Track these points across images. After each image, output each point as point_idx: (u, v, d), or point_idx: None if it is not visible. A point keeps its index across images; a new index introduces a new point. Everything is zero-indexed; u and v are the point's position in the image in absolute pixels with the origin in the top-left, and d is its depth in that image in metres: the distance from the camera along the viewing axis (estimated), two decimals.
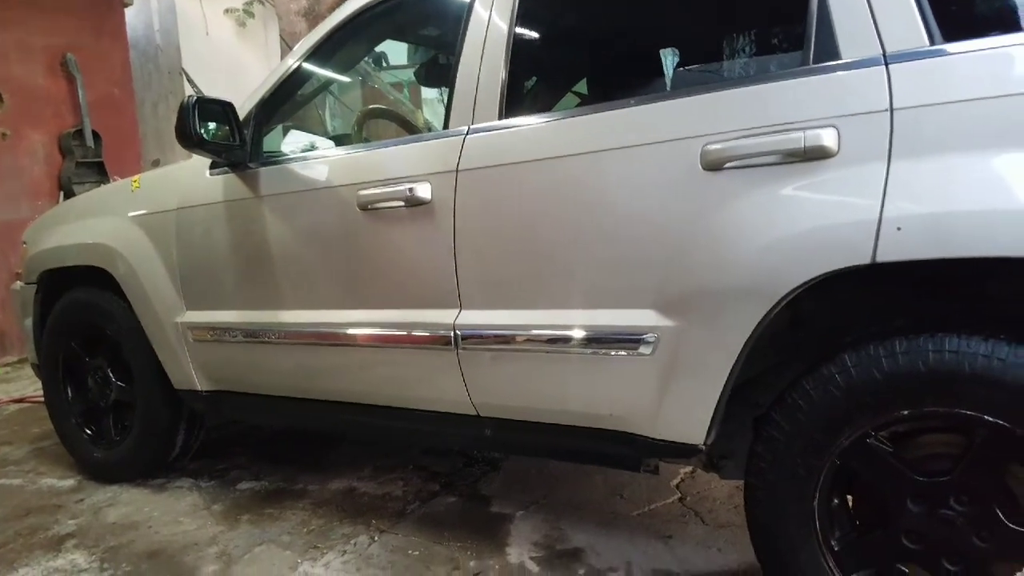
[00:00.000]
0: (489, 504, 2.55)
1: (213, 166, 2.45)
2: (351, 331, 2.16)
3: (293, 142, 2.53)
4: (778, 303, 1.48)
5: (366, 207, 2.05)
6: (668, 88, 2.17)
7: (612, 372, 1.74)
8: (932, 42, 1.38)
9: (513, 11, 1.91)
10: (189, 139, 2.21)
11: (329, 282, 2.21)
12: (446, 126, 1.99)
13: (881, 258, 1.36)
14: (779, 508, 1.59)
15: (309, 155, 2.32)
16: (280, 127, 2.63)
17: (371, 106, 4.10)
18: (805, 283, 1.45)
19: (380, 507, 2.58)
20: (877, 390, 1.44)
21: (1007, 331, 1.34)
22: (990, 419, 1.35)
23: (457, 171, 1.90)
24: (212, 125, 2.35)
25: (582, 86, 2.89)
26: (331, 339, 2.21)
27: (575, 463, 2.57)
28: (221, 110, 2.30)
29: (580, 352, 1.78)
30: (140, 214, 2.64)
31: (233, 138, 2.30)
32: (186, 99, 2.23)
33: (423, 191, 1.94)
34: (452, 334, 1.95)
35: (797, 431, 1.53)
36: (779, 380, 1.63)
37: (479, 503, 2.57)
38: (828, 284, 1.45)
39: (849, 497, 1.61)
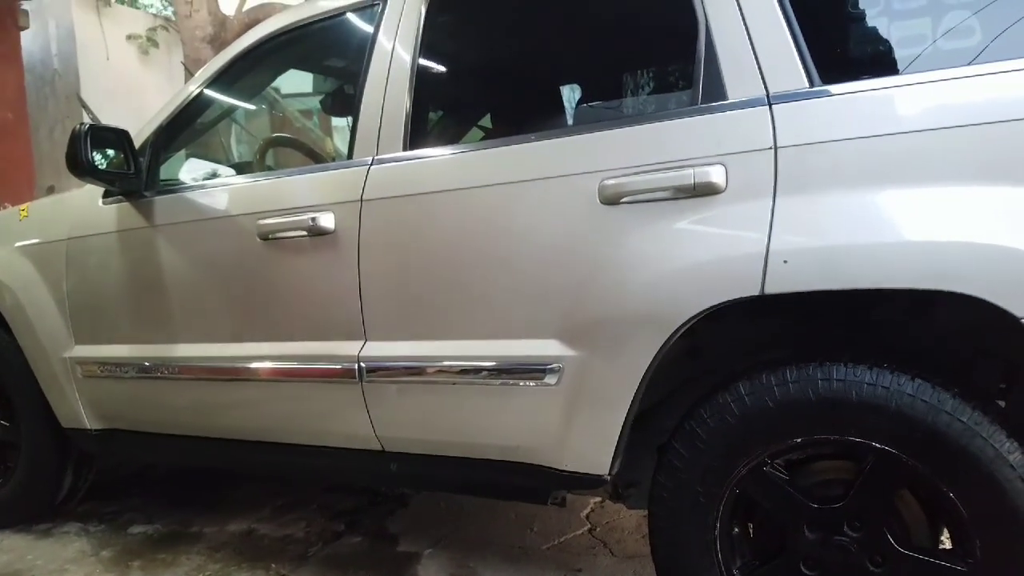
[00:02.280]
0: (396, 543, 2.48)
1: (107, 195, 2.36)
2: (250, 365, 2.09)
3: (192, 170, 2.45)
4: (674, 333, 1.51)
5: (266, 237, 2.00)
6: (569, 124, 2.22)
7: (519, 403, 1.73)
8: (812, 84, 1.45)
9: (416, 43, 1.92)
10: (80, 167, 2.13)
11: (227, 314, 2.14)
12: (350, 156, 1.96)
13: (769, 290, 1.41)
14: (681, 537, 1.60)
15: (207, 183, 2.25)
16: (182, 155, 2.54)
17: (274, 135, 4.03)
18: (699, 314, 1.48)
19: (281, 550, 2.47)
20: (770, 418, 1.48)
21: (891, 360, 1.41)
22: (878, 446, 1.40)
23: (362, 201, 1.88)
24: (111, 152, 2.25)
25: (488, 120, 2.92)
26: (229, 373, 2.13)
27: (483, 497, 2.53)
28: (115, 137, 2.23)
29: (486, 383, 1.77)
30: (28, 244, 2.52)
31: (127, 166, 2.22)
32: (78, 127, 2.15)
33: (326, 221, 1.90)
34: (356, 366, 1.90)
35: (696, 459, 1.56)
36: (680, 409, 1.66)
37: (385, 542, 2.49)
38: (723, 314, 1.49)
39: (750, 525, 1.64)
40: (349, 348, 1.91)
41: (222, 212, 2.12)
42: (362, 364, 1.89)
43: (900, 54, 1.51)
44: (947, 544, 1.49)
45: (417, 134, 1.94)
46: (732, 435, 1.51)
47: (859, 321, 1.56)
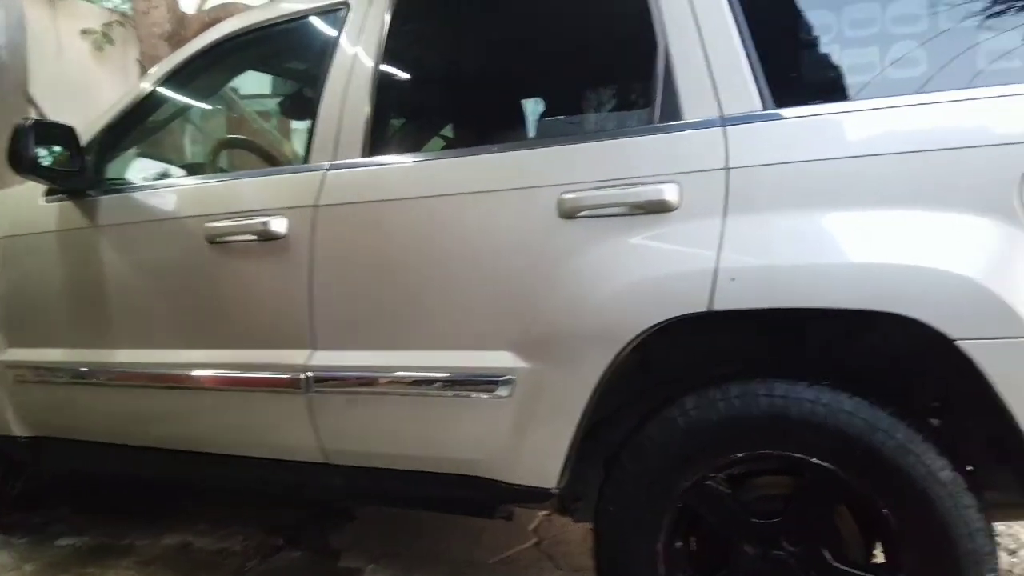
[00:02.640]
0: (338, 558, 2.43)
1: (49, 193, 2.28)
2: (193, 372, 2.04)
3: (141, 170, 2.39)
4: (626, 347, 1.53)
5: (214, 240, 1.96)
6: (530, 137, 2.24)
7: (471, 415, 1.73)
8: (765, 107, 1.50)
9: (379, 50, 1.92)
10: (23, 164, 2.07)
11: (170, 319, 2.09)
12: (307, 160, 1.94)
13: (717, 306, 1.44)
14: (625, 550, 1.61)
15: (156, 184, 2.21)
16: (132, 154, 2.48)
17: (228, 136, 3.97)
18: (649, 328, 1.50)
19: (216, 564, 2.40)
20: (715, 432, 1.50)
21: (831, 378, 1.44)
22: (816, 461, 1.43)
23: (316, 206, 1.86)
24: (56, 149, 2.19)
25: (450, 130, 2.93)
26: (171, 381, 2.08)
27: (430, 511, 2.51)
28: (60, 134, 2.16)
29: (438, 395, 1.75)
30: None
31: (72, 164, 2.15)
32: (21, 121, 2.09)
33: (278, 225, 1.87)
34: (303, 376, 1.87)
35: (642, 472, 1.57)
36: (628, 422, 1.68)
37: (326, 557, 2.44)
38: (674, 329, 1.51)
39: (692, 539, 1.65)
40: (295, 357, 1.88)
41: (169, 214, 2.08)
42: (309, 374, 1.86)
43: (850, 81, 1.57)
44: (880, 559, 1.52)
45: (377, 141, 1.93)
46: (677, 449, 1.53)
47: (804, 339, 1.60)
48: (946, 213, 1.33)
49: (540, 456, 1.66)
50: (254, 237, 1.90)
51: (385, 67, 1.94)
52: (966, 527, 1.35)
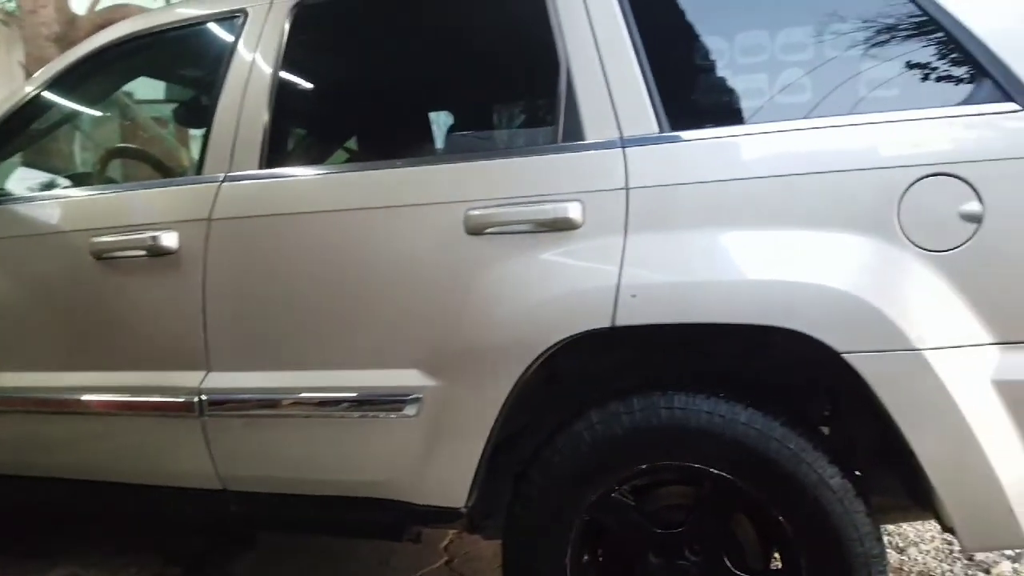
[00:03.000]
0: None
1: None
2: (82, 397, 1.92)
3: (23, 180, 2.24)
4: (533, 363, 1.53)
5: (101, 256, 1.85)
6: (436, 152, 2.23)
7: (376, 436, 1.69)
8: (662, 129, 1.53)
9: (278, 59, 1.86)
10: None
11: (55, 341, 1.96)
12: (200, 171, 1.87)
13: (620, 322, 1.46)
14: (533, 565, 1.61)
15: (38, 195, 2.07)
16: (14, 163, 2.32)
17: (118, 145, 3.78)
18: (555, 345, 1.51)
19: None
20: (619, 445, 1.52)
21: (727, 390, 1.49)
22: (715, 471, 1.47)
23: (210, 220, 1.78)
24: None
25: (354, 142, 2.87)
26: (56, 406, 1.95)
27: (335, 536, 2.44)
28: None
29: (342, 416, 1.71)
30: None
31: None
32: None
33: (169, 240, 1.79)
34: (197, 399, 1.79)
35: (549, 487, 1.57)
36: (536, 438, 1.68)
37: None
38: (580, 345, 1.52)
39: (599, 551, 1.67)
40: (189, 379, 1.80)
41: (52, 227, 1.95)
42: (203, 397, 1.78)
43: (744, 105, 1.64)
44: (778, 564, 1.58)
45: (276, 152, 1.88)
46: (584, 462, 1.54)
47: (704, 353, 1.64)
48: (833, 232, 1.39)
49: (449, 475, 1.64)
50: (143, 252, 1.81)
51: (285, 76, 1.89)
52: (856, 531, 1.41)
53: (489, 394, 1.57)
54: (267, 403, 1.76)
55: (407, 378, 1.65)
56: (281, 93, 1.87)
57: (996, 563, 2.29)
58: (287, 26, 1.87)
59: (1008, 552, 2.33)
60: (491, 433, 1.59)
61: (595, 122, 1.57)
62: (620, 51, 1.58)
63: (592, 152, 1.56)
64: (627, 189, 1.50)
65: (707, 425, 1.46)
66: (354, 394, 1.70)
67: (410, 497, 1.68)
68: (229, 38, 1.93)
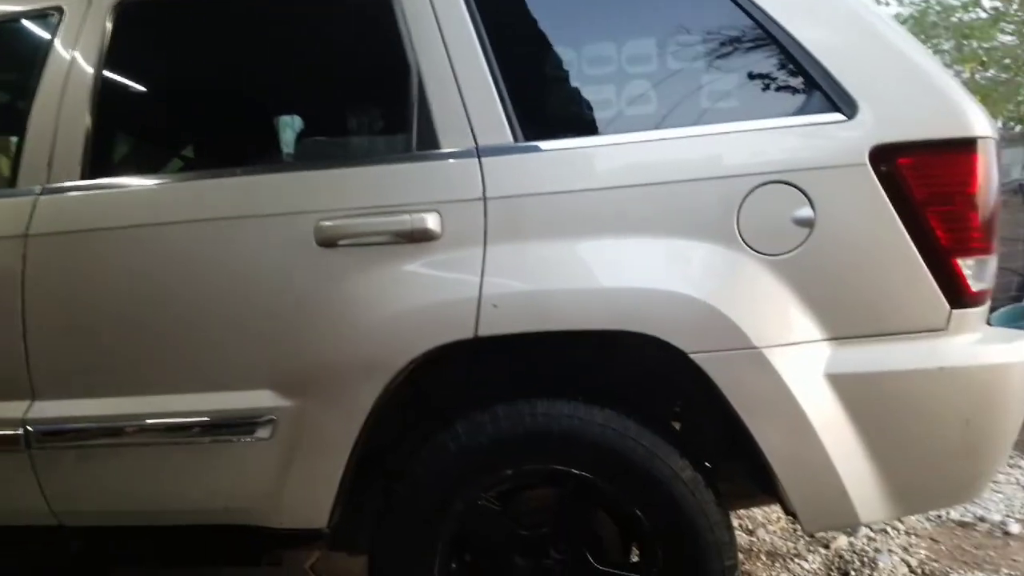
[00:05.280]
0: None
1: None
2: None
3: None
4: (395, 377, 1.51)
5: None
6: (283, 159, 2.12)
7: (228, 461, 1.61)
8: (516, 139, 1.54)
9: (100, 59, 1.70)
10: None
11: None
12: (14, 183, 1.69)
13: (483, 332, 1.47)
14: None
15: None
16: None
17: None
18: (418, 357, 1.49)
19: None
20: (485, 453, 1.53)
21: (585, 394, 1.53)
22: (576, 472, 1.51)
23: (27, 236, 1.61)
24: None
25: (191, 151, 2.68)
26: None
27: (188, 567, 2.29)
28: None
29: (190, 442, 1.61)
30: None
31: None
32: None
33: None
34: (22, 431, 1.62)
35: (416, 499, 1.56)
36: (403, 451, 1.65)
37: None
38: (446, 356, 1.51)
39: (467, 558, 1.67)
40: (12, 410, 1.63)
41: None
42: (29, 428, 1.62)
43: (599, 116, 1.67)
44: (637, 558, 1.64)
45: (101, 161, 1.73)
46: (450, 473, 1.54)
47: (566, 359, 1.67)
48: (680, 240, 1.46)
49: (309, 496, 1.58)
50: None
51: (110, 79, 1.74)
52: (707, 520, 1.49)
53: (348, 412, 1.53)
54: (107, 432, 1.63)
55: (259, 399, 1.57)
56: (105, 97, 1.72)
57: (835, 538, 2.52)
58: (109, 24, 1.72)
59: None
60: (352, 451, 1.54)
61: (449, 131, 1.56)
62: (471, 59, 1.57)
63: (448, 162, 1.55)
64: (484, 199, 1.50)
65: (568, 428, 1.49)
66: (203, 418, 1.60)
67: (268, 522, 1.61)
68: (43, 36, 1.75)
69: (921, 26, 9.31)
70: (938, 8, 9.57)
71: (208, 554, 1.78)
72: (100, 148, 1.74)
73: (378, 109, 2.21)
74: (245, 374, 1.58)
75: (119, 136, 2.45)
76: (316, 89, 2.38)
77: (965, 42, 9.20)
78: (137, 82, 1.98)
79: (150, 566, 2.32)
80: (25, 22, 1.82)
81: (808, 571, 2.33)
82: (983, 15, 9.18)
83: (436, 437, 1.56)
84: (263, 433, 1.57)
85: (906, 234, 1.40)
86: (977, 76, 9.35)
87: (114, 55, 1.72)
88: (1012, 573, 2.27)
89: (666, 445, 1.50)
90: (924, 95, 1.44)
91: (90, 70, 1.70)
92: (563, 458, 1.51)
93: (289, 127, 2.22)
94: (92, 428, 1.63)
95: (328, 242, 1.53)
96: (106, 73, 1.72)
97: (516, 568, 1.58)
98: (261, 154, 2.30)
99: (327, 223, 1.52)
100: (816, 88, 1.47)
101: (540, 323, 1.46)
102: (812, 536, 2.53)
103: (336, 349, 1.53)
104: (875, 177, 1.40)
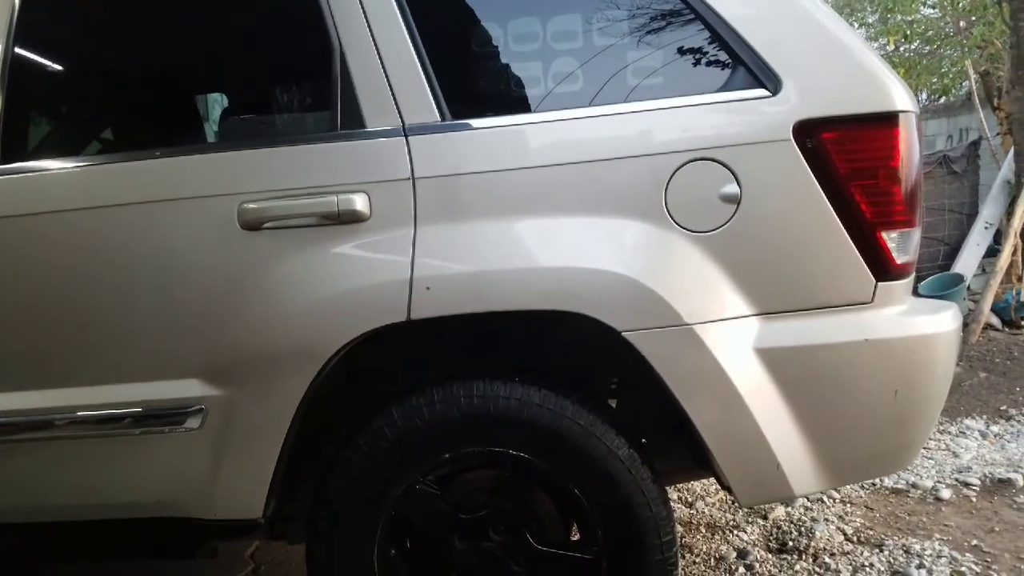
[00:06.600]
0: None
1: None
2: None
3: None
4: (328, 362, 1.48)
5: None
6: (207, 140, 2.06)
7: (155, 453, 1.56)
8: (444, 118, 1.51)
9: (9, 35, 1.62)
10: None
11: None
12: None
13: (415, 315, 1.44)
14: (339, 566, 1.56)
15: None
16: None
17: None
18: (350, 342, 1.46)
19: None
20: (421, 437, 1.51)
21: (522, 375, 1.52)
22: (514, 453, 1.51)
23: None
24: None
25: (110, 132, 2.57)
26: None
27: (118, 561, 2.23)
28: None
29: (119, 434, 1.56)
30: None
31: None
32: None
33: None
34: None
35: (352, 486, 1.54)
36: (338, 437, 1.62)
37: None
38: (381, 339, 1.48)
39: (407, 543, 1.65)
40: None
41: None
42: None
43: (529, 94, 1.65)
44: (577, 536, 1.65)
45: (12, 144, 1.65)
46: (386, 458, 1.52)
47: (502, 340, 1.66)
48: (610, 218, 1.45)
49: (242, 487, 1.55)
50: None
51: (21, 56, 1.66)
52: (644, 497, 1.50)
53: (280, 399, 1.49)
54: (15, 427, 1.57)
55: (187, 389, 1.53)
56: (16, 76, 1.63)
57: (772, 509, 2.58)
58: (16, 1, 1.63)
59: None
60: (285, 439, 1.51)
61: (374, 109, 1.52)
62: (395, 35, 1.53)
63: (374, 141, 1.51)
64: (413, 179, 1.47)
65: (504, 410, 1.49)
66: (132, 409, 1.55)
67: (202, 513, 1.58)
68: None
69: None
70: None
71: (140, 548, 1.73)
72: (13, 130, 1.65)
73: (302, 87, 2.15)
74: (172, 363, 1.53)
75: (33, 117, 2.35)
76: (238, 66, 2.31)
77: (889, 15, 9.38)
78: (51, 60, 1.89)
79: (84, 561, 2.27)
80: None
81: (747, 542, 2.38)
82: None
83: (371, 423, 1.53)
84: (193, 423, 1.53)
85: (831, 209, 1.42)
86: (901, 49, 9.56)
87: (25, 31, 1.64)
88: (944, 538, 2.36)
89: (602, 424, 1.50)
90: (847, 70, 1.45)
91: None
92: (501, 439, 1.50)
93: (217, 105, 2.14)
94: (19, 422, 1.57)
95: (252, 225, 1.48)
96: (17, 50, 1.64)
97: (456, 551, 1.57)
98: (183, 135, 2.22)
99: (250, 205, 1.48)
100: (741, 64, 1.47)
101: (473, 304, 1.44)
102: (751, 508, 2.58)
103: (264, 336, 1.49)
104: (799, 152, 1.42)
